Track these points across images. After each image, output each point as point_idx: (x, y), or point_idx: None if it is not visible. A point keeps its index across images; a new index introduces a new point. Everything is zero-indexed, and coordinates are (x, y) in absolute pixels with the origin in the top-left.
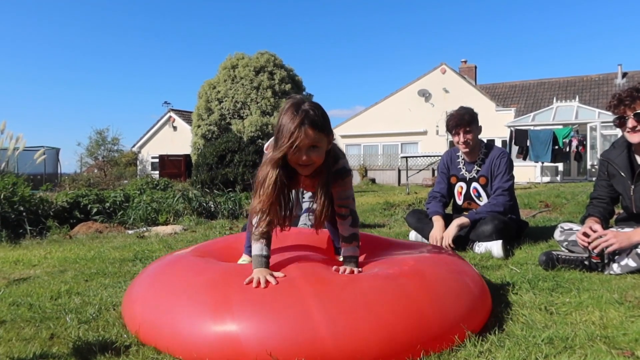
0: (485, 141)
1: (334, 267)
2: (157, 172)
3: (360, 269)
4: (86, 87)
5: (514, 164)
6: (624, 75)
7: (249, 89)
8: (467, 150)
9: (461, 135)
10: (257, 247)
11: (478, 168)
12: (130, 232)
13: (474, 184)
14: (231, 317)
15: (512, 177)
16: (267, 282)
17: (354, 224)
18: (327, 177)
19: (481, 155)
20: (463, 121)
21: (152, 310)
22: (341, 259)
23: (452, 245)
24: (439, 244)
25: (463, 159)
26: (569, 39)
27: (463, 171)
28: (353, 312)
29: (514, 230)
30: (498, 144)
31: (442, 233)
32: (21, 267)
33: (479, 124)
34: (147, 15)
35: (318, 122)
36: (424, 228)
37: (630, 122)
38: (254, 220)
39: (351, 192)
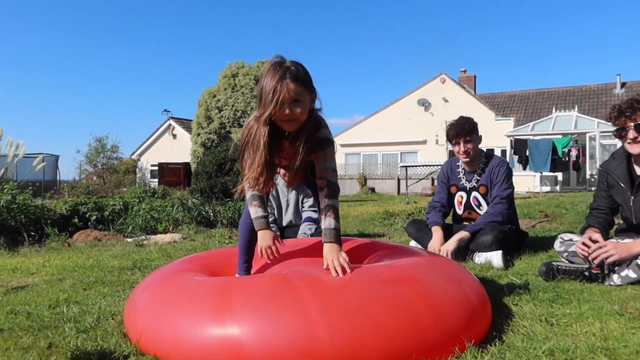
0: (485, 150)
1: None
2: (156, 179)
3: (346, 262)
4: (86, 94)
5: (514, 173)
6: (623, 85)
7: (249, 98)
8: (467, 159)
9: (461, 144)
10: (253, 211)
11: (478, 177)
12: (129, 240)
13: (474, 193)
14: (232, 321)
15: (511, 186)
16: (276, 252)
17: (331, 196)
18: (306, 139)
19: (481, 165)
20: (463, 130)
21: (153, 317)
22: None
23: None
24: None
25: (463, 169)
26: (568, 49)
27: (463, 181)
28: (352, 317)
29: (514, 240)
30: (497, 153)
31: (441, 245)
32: (19, 275)
33: (479, 134)
34: (148, 22)
35: (299, 76)
36: (424, 238)
37: (631, 133)
38: (246, 184)
39: (332, 164)
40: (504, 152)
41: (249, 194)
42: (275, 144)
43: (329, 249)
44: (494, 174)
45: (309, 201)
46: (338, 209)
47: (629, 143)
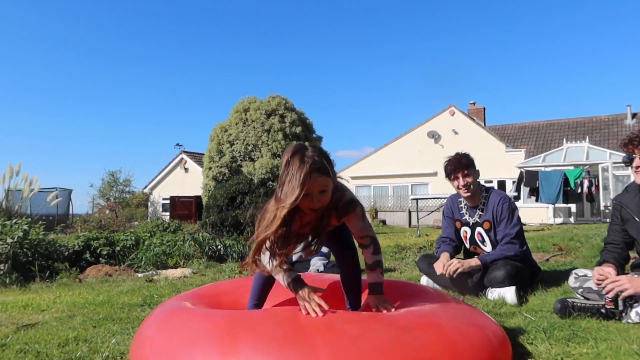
0: (485, 185)
1: (370, 309)
2: (168, 213)
3: (391, 305)
4: (99, 129)
5: (526, 204)
6: (634, 115)
7: (260, 132)
8: (468, 194)
9: (460, 179)
10: (284, 276)
11: (481, 212)
12: (139, 275)
13: (478, 229)
14: None
15: (519, 222)
16: (320, 308)
17: (376, 251)
18: (329, 208)
19: (482, 200)
20: (461, 164)
21: (162, 357)
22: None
23: (451, 273)
24: (440, 271)
25: (465, 204)
26: (578, 80)
27: (466, 216)
28: None
29: (528, 275)
30: (509, 185)
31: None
32: (30, 312)
33: (477, 168)
34: (161, 57)
35: (324, 167)
36: (435, 273)
37: (636, 162)
38: (266, 261)
39: (367, 222)
40: (514, 183)
41: (273, 265)
42: (296, 211)
43: (376, 300)
44: (497, 211)
45: None
46: (382, 264)
47: (635, 172)
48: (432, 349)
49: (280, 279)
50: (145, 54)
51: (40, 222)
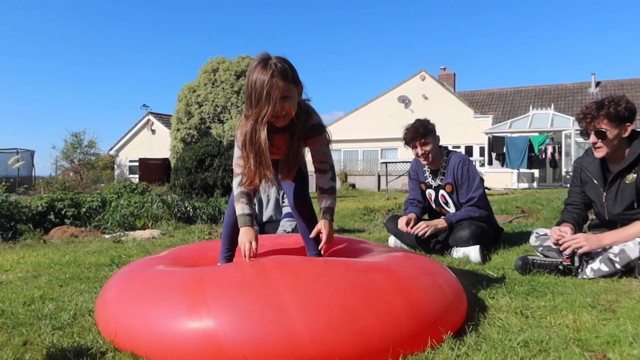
0: (447, 148)
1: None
2: (136, 175)
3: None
4: (62, 88)
5: (492, 170)
6: (598, 84)
7: (230, 93)
8: (427, 161)
9: (418, 147)
10: (240, 207)
11: (442, 176)
12: (107, 236)
13: (441, 192)
14: (208, 315)
15: (481, 185)
16: (255, 250)
17: (333, 178)
18: (298, 129)
19: (444, 164)
20: (418, 133)
21: (127, 314)
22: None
23: (420, 236)
24: (401, 225)
25: (428, 167)
26: (545, 48)
27: (429, 179)
28: (328, 308)
29: (491, 235)
30: (476, 150)
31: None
32: None
33: (437, 134)
34: (127, 15)
35: (287, 72)
36: (403, 233)
37: (592, 138)
38: (236, 181)
39: (329, 148)
40: (482, 149)
41: (237, 190)
42: (268, 139)
43: (328, 225)
44: (457, 174)
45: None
46: (336, 190)
47: (592, 147)
48: (387, 291)
49: (238, 208)
50: (110, 11)
51: (3, 184)
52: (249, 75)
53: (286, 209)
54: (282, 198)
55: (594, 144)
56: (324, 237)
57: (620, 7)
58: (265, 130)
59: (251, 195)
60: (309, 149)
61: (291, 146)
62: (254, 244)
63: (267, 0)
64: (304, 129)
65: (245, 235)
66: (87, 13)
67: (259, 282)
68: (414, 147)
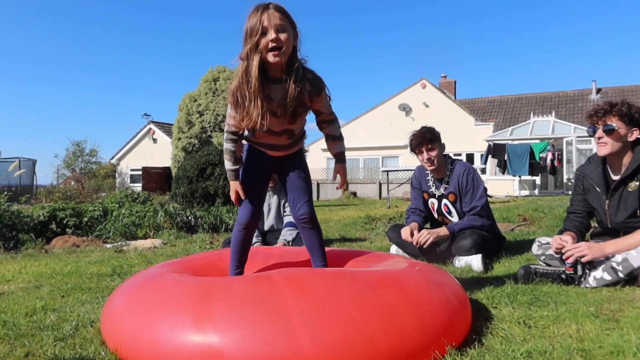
0: (452, 157)
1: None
2: (137, 184)
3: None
4: (64, 97)
5: (493, 177)
6: (598, 91)
7: None
8: (432, 167)
9: (424, 153)
10: (227, 164)
11: (446, 185)
12: (108, 246)
13: (444, 201)
14: (213, 330)
15: (484, 194)
16: (242, 194)
17: (339, 126)
18: (295, 76)
19: (448, 172)
20: (425, 139)
21: (132, 325)
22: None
23: (422, 244)
24: (405, 235)
25: (432, 176)
26: (546, 55)
27: (432, 188)
28: (335, 323)
29: (493, 244)
30: (477, 157)
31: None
32: None
33: (442, 142)
34: (128, 24)
35: (282, 9)
36: (405, 242)
37: (599, 133)
38: (229, 120)
39: (330, 100)
40: (483, 156)
41: (227, 145)
42: (265, 97)
43: (344, 168)
44: (462, 182)
45: None
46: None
47: (597, 143)
48: (395, 306)
49: (227, 159)
50: (113, 20)
51: (5, 193)
52: (247, 18)
53: (287, 218)
54: (284, 207)
55: (600, 138)
56: (341, 179)
57: (621, 14)
58: (258, 59)
59: (236, 153)
60: (317, 128)
61: (288, 91)
62: (239, 191)
63: None
64: (303, 78)
65: (232, 188)
66: (89, 22)
67: (267, 296)
68: (420, 153)
